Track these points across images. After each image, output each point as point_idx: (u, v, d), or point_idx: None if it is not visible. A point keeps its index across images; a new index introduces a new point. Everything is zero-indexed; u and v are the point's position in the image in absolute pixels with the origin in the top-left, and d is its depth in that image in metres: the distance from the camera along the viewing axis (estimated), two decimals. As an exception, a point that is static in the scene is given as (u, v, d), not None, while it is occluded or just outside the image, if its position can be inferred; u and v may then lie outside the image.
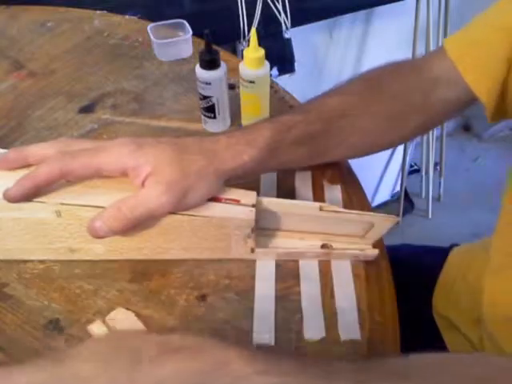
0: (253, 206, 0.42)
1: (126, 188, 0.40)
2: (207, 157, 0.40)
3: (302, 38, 1.25)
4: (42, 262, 0.44)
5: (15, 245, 0.43)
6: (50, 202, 0.40)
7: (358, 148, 0.50)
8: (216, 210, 0.41)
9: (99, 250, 0.43)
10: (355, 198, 0.51)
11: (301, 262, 0.44)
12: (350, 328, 0.40)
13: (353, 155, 0.51)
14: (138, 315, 0.40)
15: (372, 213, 0.43)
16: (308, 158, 0.47)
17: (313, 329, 0.40)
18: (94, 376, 0.24)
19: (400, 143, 0.54)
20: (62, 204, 0.40)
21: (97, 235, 0.38)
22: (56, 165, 0.37)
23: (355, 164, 0.55)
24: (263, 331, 0.39)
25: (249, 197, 0.43)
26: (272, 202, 0.44)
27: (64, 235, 0.42)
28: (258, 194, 0.43)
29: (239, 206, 0.42)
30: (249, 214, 0.41)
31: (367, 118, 0.47)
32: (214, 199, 0.42)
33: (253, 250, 0.43)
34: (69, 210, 0.40)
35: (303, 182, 0.51)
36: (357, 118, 0.47)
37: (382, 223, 0.43)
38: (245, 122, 0.59)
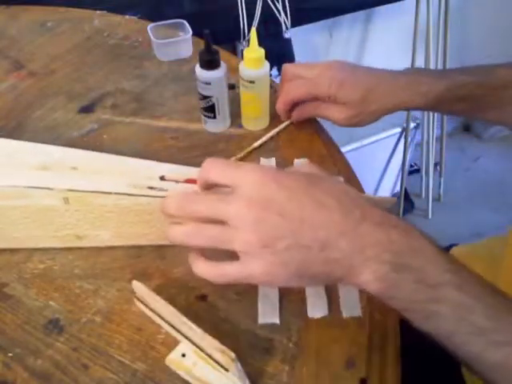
0: None
1: (132, 173, 0.41)
2: (390, 96, 0.52)
3: (302, 38, 1.26)
4: (42, 261, 0.44)
5: (22, 233, 0.43)
6: (58, 188, 0.40)
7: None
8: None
9: (105, 237, 0.44)
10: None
11: None
12: (351, 305, 0.41)
13: (506, 123, 0.55)
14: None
15: (370, 194, 0.44)
16: (464, 113, 0.55)
17: (316, 307, 0.41)
18: (334, 206, 0.32)
19: None
20: (70, 190, 0.40)
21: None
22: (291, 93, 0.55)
23: (355, 164, 0.55)
24: (268, 312, 0.40)
25: None
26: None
27: (71, 222, 0.42)
28: None
29: None
30: None
31: None
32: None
33: None
34: (76, 196, 0.40)
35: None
36: None
37: (380, 205, 0.43)
38: (245, 121, 0.59)
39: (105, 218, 0.42)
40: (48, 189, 0.40)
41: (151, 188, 0.42)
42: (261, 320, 0.40)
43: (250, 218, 0.32)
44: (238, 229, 0.32)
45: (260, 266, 0.33)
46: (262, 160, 0.54)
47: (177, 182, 0.43)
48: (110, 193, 0.40)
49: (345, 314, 0.40)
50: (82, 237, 0.43)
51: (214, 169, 0.35)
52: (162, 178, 0.43)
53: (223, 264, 0.34)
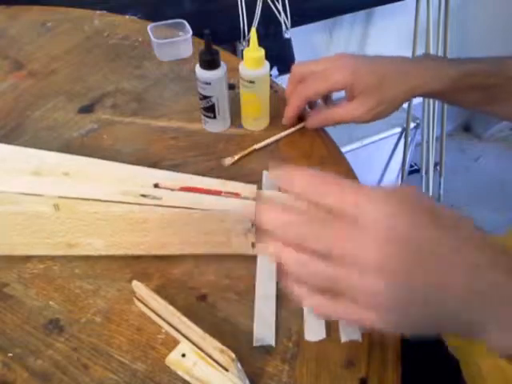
0: (253, 199, 0.41)
1: (125, 180, 0.41)
2: (406, 79, 0.51)
3: (302, 38, 1.26)
4: (41, 261, 0.44)
5: (14, 240, 0.43)
6: (48, 195, 0.39)
7: None
8: (215, 203, 0.41)
9: (98, 245, 0.43)
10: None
11: None
12: (350, 329, 0.39)
13: None
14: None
15: None
16: (476, 104, 0.54)
17: (313, 330, 0.40)
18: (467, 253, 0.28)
19: None
20: (60, 197, 0.40)
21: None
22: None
23: (355, 164, 0.55)
24: (264, 332, 0.39)
25: (249, 190, 0.42)
26: (273, 196, 0.44)
27: (62, 229, 0.42)
28: None
29: (239, 200, 0.41)
30: (249, 207, 0.41)
31: None
32: (214, 192, 0.42)
33: (253, 245, 0.43)
34: (67, 203, 0.40)
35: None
36: None
37: None
38: (245, 121, 0.59)
39: (96, 226, 0.41)
40: (38, 195, 0.39)
41: (144, 196, 0.41)
42: (255, 343, 0.39)
43: (384, 269, 0.27)
44: (363, 275, 0.28)
45: (384, 323, 0.29)
46: (265, 173, 0.52)
47: (171, 189, 0.42)
48: (101, 200, 0.40)
49: (343, 339, 0.39)
50: (73, 245, 0.43)
51: (332, 192, 0.29)
52: (156, 186, 0.42)
53: (341, 303, 0.30)
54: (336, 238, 0.28)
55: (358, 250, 0.28)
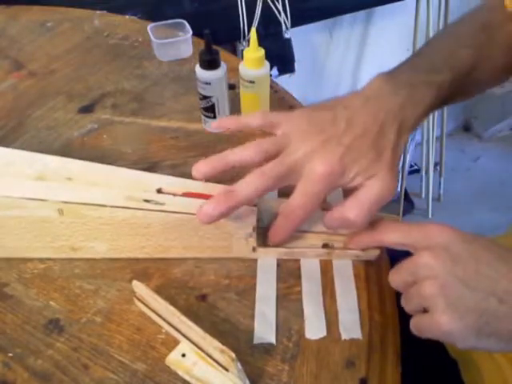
0: (254, 205, 0.42)
1: (128, 186, 0.41)
2: (398, 130, 0.40)
3: (302, 38, 1.26)
4: (42, 261, 0.44)
5: (17, 243, 0.43)
6: (53, 200, 0.40)
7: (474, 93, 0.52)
8: None
9: (100, 249, 0.43)
10: (355, 197, 0.51)
11: (302, 262, 0.44)
12: (351, 327, 0.40)
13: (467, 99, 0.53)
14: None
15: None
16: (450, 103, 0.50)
17: (314, 328, 0.40)
18: None
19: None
20: (65, 202, 0.40)
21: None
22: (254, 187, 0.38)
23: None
24: (264, 331, 0.39)
25: None
26: (274, 201, 0.44)
27: (66, 233, 0.42)
28: None
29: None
30: (250, 212, 0.41)
31: (487, 72, 0.49)
32: None
33: (254, 249, 0.43)
34: (71, 208, 0.40)
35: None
36: (480, 72, 0.48)
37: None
38: (245, 121, 0.59)
39: (100, 231, 0.42)
40: (42, 200, 0.40)
41: (147, 201, 0.41)
42: (256, 340, 0.39)
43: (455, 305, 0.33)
44: (434, 312, 0.34)
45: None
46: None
47: (174, 195, 0.42)
48: (104, 205, 0.40)
49: (344, 336, 0.39)
50: (77, 248, 0.43)
51: (396, 231, 0.40)
52: (160, 191, 0.42)
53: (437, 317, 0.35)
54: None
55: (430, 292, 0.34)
